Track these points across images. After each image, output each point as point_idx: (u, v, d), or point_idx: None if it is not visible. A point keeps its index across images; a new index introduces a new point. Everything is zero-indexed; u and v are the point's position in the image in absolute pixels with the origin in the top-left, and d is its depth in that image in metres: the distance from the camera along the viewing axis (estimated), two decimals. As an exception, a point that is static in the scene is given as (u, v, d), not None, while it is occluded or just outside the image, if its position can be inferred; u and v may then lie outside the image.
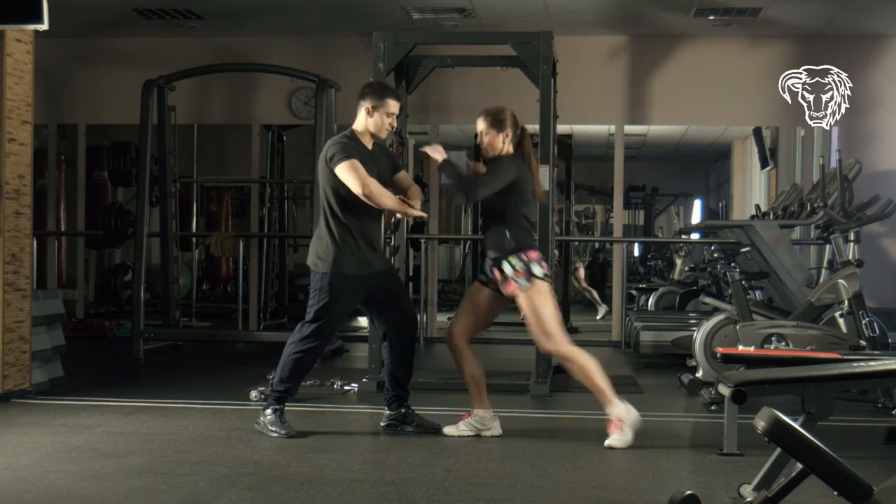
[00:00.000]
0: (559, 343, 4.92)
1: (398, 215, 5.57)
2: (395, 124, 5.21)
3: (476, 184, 4.91)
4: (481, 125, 5.02)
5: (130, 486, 3.95)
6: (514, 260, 4.86)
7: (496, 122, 5.01)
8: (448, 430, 5.03)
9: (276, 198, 11.28)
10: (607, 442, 4.77)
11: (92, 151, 10.63)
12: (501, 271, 4.88)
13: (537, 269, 4.86)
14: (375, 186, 4.88)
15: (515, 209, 4.93)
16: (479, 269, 5.18)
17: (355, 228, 4.96)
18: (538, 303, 4.86)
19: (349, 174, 4.85)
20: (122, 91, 9.68)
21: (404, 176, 5.27)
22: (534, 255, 4.90)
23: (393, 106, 5.04)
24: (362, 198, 4.86)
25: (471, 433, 4.99)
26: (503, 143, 5.01)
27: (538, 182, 5.20)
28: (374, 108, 5.00)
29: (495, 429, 5.02)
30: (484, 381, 5.08)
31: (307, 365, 5.10)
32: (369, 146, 5.04)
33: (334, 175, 4.91)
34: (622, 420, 4.80)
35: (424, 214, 5.23)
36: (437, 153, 4.93)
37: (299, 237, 11.78)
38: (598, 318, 12.15)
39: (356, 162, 4.87)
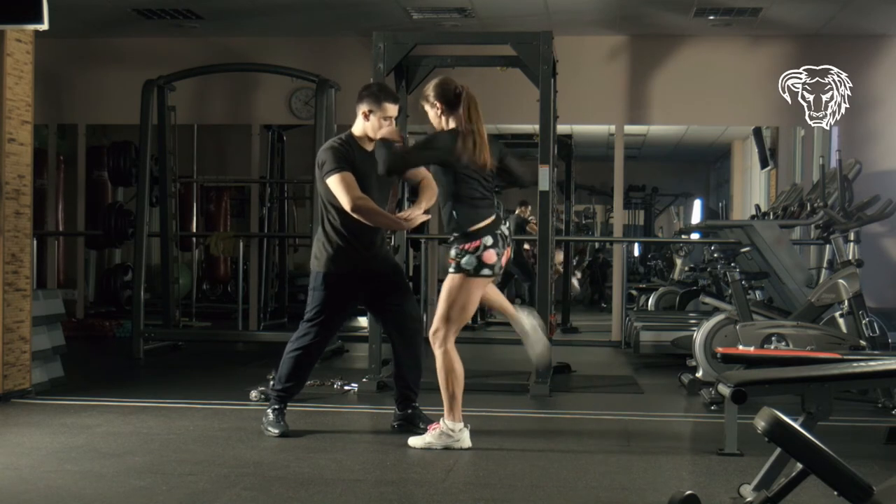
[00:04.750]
0: (446, 336, 4.71)
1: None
2: (394, 125, 5.17)
3: (390, 155, 4.65)
4: (423, 105, 4.80)
5: (130, 486, 3.95)
6: (452, 247, 4.70)
7: (426, 100, 4.76)
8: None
9: (276, 198, 11.28)
10: (411, 439, 4.72)
11: (92, 151, 10.63)
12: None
13: (467, 263, 4.63)
14: (365, 203, 4.79)
15: (456, 188, 4.66)
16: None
17: (351, 230, 4.93)
18: (457, 292, 4.66)
19: (339, 188, 4.80)
20: (122, 91, 9.68)
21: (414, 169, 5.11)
22: (469, 246, 4.65)
23: (390, 110, 4.95)
24: (351, 214, 4.80)
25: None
26: (441, 120, 4.73)
27: (485, 151, 4.68)
28: (371, 112, 4.93)
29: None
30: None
31: (306, 364, 5.09)
32: (369, 149, 4.97)
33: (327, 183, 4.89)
34: (443, 434, 4.67)
35: (427, 216, 5.13)
36: (390, 133, 4.77)
37: (299, 237, 11.79)
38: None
39: (347, 175, 4.81)
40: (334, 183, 4.82)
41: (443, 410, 4.72)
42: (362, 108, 4.97)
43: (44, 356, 6.33)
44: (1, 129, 5.76)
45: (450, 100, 4.70)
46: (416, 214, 4.93)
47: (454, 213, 4.67)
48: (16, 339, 5.89)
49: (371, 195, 4.88)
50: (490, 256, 4.64)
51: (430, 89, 4.76)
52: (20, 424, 5.20)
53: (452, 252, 4.70)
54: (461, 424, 4.70)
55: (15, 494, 3.83)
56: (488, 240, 4.64)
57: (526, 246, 12.04)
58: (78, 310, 10.21)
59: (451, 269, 4.71)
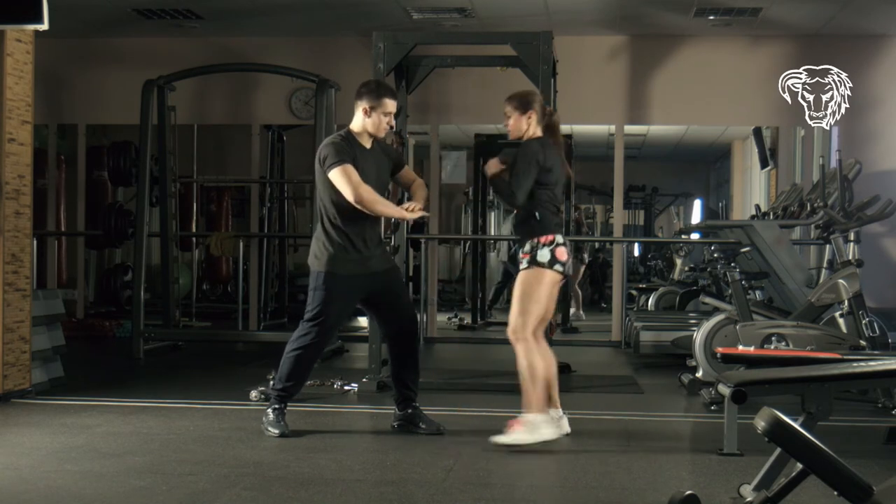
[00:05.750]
0: (524, 329, 4.83)
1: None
2: (394, 123, 5.19)
3: (511, 190, 4.83)
4: (506, 108, 4.97)
5: (130, 486, 3.95)
6: (528, 243, 4.84)
7: (520, 104, 4.95)
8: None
9: (276, 198, 11.28)
10: (496, 438, 4.73)
11: (92, 151, 10.63)
12: (525, 252, 4.87)
13: (542, 256, 4.80)
14: (368, 193, 4.84)
15: (539, 191, 4.84)
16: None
17: (351, 229, 4.95)
18: (526, 285, 4.82)
19: (342, 180, 4.83)
20: (122, 91, 9.68)
21: (408, 172, 5.26)
22: (544, 239, 4.82)
23: (390, 105, 5.00)
24: (355, 205, 4.84)
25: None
26: (527, 126, 4.93)
27: (566, 165, 5.08)
28: (372, 108, 4.96)
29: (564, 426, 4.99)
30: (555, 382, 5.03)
31: (306, 364, 5.09)
32: (368, 146, 5.01)
33: (328, 178, 4.90)
34: (524, 427, 4.74)
35: (426, 213, 5.15)
36: (490, 168, 4.93)
37: (299, 237, 11.78)
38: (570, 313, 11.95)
39: (349, 167, 4.84)
40: (336, 175, 4.84)
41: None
42: (362, 104, 4.99)
43: (44, 356, 6.33)
44: (1, 129, 5.76)
45: (544, 111, 5.00)
46: (419, 207, 5.01)
47: (537, 214, 4.83)
48: (16, 339, 5.89)
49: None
50: (562, 253, 4.84)
51: (529, 97, 5.00)
52: (20, 424, 5.20)
53: (527, 247, 4.84)
54: (545, 415, 4.80)
55: (15, 494, 3.83)
56: (560, 238, 4.86)
57: None
58: (78, 310, 10.21)
59: (523, 266, 4.84)
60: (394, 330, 5.17)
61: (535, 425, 4.75)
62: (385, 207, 4.99)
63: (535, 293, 4.83)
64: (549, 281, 4.85)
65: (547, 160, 4.84)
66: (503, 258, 13.52)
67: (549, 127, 4.98)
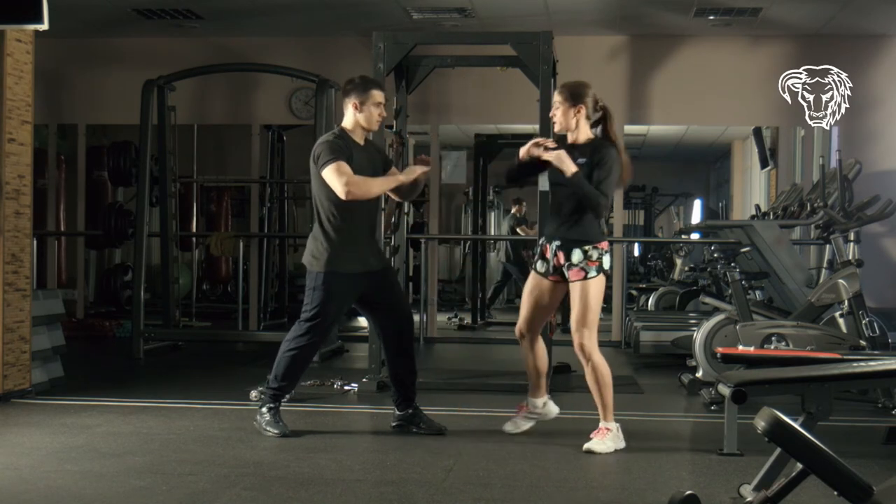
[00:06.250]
0: (591, 339, 4.77)
1: (397, 197, 5.42)
2: (385, 114, 5.19)
3: (600, 198, 4.65)
4: (556, 97, 4.78)
5: (130, 486, 3.95)
6: (589, 248, 4.72)
7: (572, 95, 4.73)
8: (508, 427, 5.06)
9: (276, 198, 11.28)
10: (587, 445, 4.70)
11: (92, 151, 10.63)
12: (568, 257, 4.74)
13: (607, 263, 4.78)
14: (356, 186, 4.80)
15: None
16: (533, 260, 4.99)
17: (350, 227, 4.96)
18: (593, 294, 4.73)
19: (333, 177, 4.82)
20: (122, 91, 9.68)
21: (394, 172, 5.23)
22: (605, 245, 4.78)
23: (379, 96, 5.03)
24: (350, 199, 4.81)
25: (530, 425, 5.07)
26: (574, 119, 4.74)
27: (626, 169, 4.84)
28: (361, 102, 4.98)
29: (550, 409, 5.10)
30: (545, 375, 5.11)
31: (302, 363, 5.09)
32: (361, 142, 5.03)
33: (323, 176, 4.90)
34: (610, 431, 4.75)
35: (426, 167, 5.05)
36: (562, 161, 4.65)
37: (299, 237, 11.76)
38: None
39: (343, 164, 4.83)
40: (329, 173, 4.83)
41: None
42: (351, 100, 5.01)
43: (44, 356, 6.33)
44: (1, 129, 5.76)
45: (596, 106, 4.81)
46: (418, 169, 5.02)
47: (590, 221, 4.74)
48: (16, 339, 5.89)
49: None
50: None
51: (582, 89, 4.77)
52: (20, 424, 5.20)
53: (594, 255, 4.73)
54: (617, 425, 4.80)
55: (15, 494, 3.83)
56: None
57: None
58: (78, 310, 10.21)
59: (592, 273, 4.72)
60: (390, 329, 5.18)
61: (618, 434, 4.77)
62: (382, 184, 4.97)
63: (597, 301, 4.77)
64: (604, 286, 4.83)
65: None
66: (502, 258, 13.53)
67: (603, 121, 4.79)
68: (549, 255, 4.84)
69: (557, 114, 4.79)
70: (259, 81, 9.92)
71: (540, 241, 4.98)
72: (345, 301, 5.13)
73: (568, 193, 4.74)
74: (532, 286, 4.95)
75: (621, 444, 4.74)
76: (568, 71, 7.89)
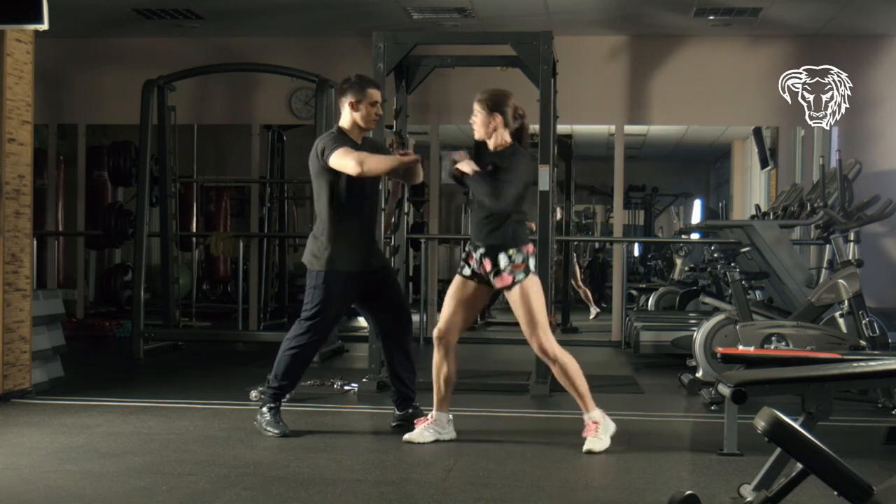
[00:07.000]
0: (548, 339, 4.76)
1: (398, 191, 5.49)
2: (381, 112, 5.20)
3: (497, 191, 4.72)
4: (476, 105, 4.86)
5: (130, 486, 3.95)
6: (513, 253, 4.73)
7: (491, 104, 4.83)
8: (411, 436, 4.86)
9: (276, 198, 11.28)
10: (585, 446, 4.66)
11: (92, 151, 10.63)
12: (495, 263, 4.76)
13: (532, 265, 4.78)
14: (368, 159, 4.82)
15: (521, 204, 4.82)
16: (460, 263, 4.99)
17: (350, 226, 4.97)
18: (532, 295, 4.74)
19: (343, 160, 4.83)
20: (122, 91, 9.68)
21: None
22: (530, 248, 4.80)
23: (375, 94, 5.06)
24: (364, 175, 4.81)
25: (432, 439, 4.85)
26: (492, 126, 4.82)
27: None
28: (358, 101, 5.02)
29: (450, 432, 4.90)
30: (452, 385, 4.99)
31: (302, 362, 5.10)
32: (359, 142, 5.06)
33: (328, 171, 4.91)
34: (598, 424, 4.73)
35: (417, 157, 5.10)
36: (467, 167, 4.80)
37: (299, 237, 11.76)
38: (591, 318, 12.14)
39: (348, 147, 4.88)
40: (337, 157, 4.85)
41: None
42: (347, 100, 5.06)
43: (44, 356, 6.33)
44: (1, 129, 5.76)
45: (516, 116, 4.90)
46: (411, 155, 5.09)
47: (511, 226, 4.77)
48: (16, 339, 5.89)
49: (364, 186, 4.99)
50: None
51: (501, 98, 4.86)
52: (20, 424, 5.20)
53: (518, 259, 4.74)
54: (600, 411, 4.78)
55: (15, 494, 3.83)
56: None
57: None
58: (78, 310, 10.21)
59: (519, 277, 4.72)
60: (388, 328, 5.19)
61: (605, 421, 4.76)
62: (388, 160, 5.00)
63: (539, 301, 4.77)
64: (540, 285, 4.83)
65: (533, 175, 4.86)
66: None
67: (519, 131, 4.89)
68: (473, 263, 4.85)
69: (476, 121, 4.88)
70: (259, 81, 9.91)
71: (466, 249, 4.99)
72: (345, 300, 5.14)
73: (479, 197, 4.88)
74: (455, 289, 4.92)
75: (612, 428, 4.74)
76: (568, 71, 7.92)
